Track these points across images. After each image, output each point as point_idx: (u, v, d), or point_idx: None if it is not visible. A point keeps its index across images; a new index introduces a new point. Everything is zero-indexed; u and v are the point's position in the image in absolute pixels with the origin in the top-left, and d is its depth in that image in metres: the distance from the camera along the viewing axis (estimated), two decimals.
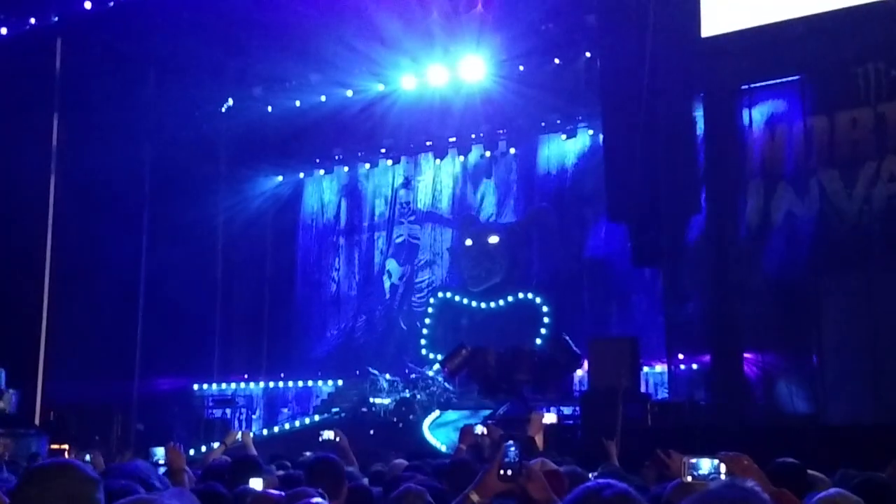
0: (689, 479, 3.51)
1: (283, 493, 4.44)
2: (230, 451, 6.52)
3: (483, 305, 20.24)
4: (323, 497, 4.24)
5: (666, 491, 3.94)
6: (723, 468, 3.52)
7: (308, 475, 4.88)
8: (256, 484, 4.83)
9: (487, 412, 15.99)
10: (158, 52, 19.12)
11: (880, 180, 13.57)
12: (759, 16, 13.64)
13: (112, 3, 18.28)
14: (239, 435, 7.94)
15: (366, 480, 5.80)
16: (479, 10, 17.30)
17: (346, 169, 22.84)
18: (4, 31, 19.18)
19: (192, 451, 16.76)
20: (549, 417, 7.44)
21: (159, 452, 5.23)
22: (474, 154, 21.06)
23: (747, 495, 2.53)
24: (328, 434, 7.04)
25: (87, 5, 18.35)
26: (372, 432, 16.47)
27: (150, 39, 18.70)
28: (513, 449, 3.34)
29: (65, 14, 18.76)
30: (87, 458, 9.35)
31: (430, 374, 18.67)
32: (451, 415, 17.16)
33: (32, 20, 19.00)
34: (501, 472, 3.34)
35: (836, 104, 13.96)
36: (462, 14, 17.46)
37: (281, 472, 6.06)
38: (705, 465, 3.50)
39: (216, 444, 9.54)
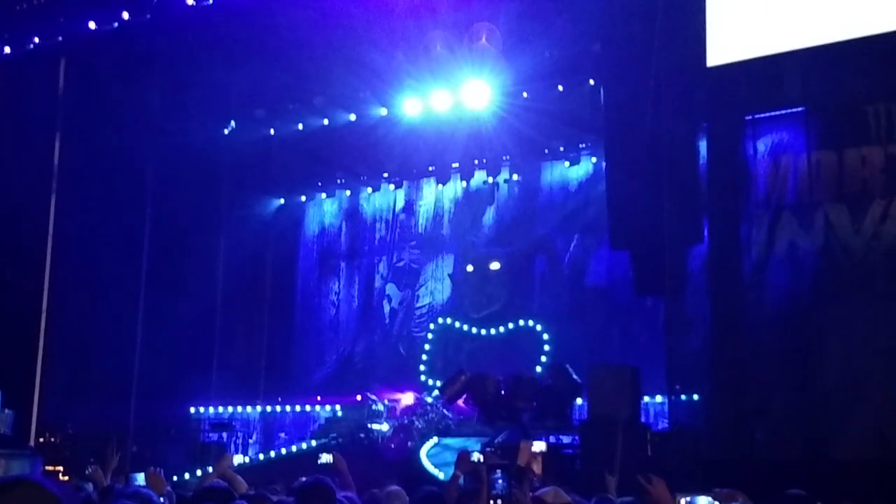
0: None
1: None
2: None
3: (483, 332, 20.11)
4: None
5: None
6: None
7: (300, 499, 4.78)
8: None
9: (486, 439, 15.84)
10: (161, 73, 19.15)
11: (889, 219, 13.46)
12: (765, 46, 13.59)
13: (116, 25, 18.31)
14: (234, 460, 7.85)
15: None
16: (483, 43, 17.29)
17: (347, 192, 22.78)
18: (8, 50, 19.22)
19: (186, 475, 16.64)
20: (539, 445, 7.30)
21: (140, 478, 5.14)
22: (477, 179, 20.97)
23: None
24: (326, 458, 6.98)
25: (92, 26, 18.39)
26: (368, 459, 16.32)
27: (154, 61, 18.75)
28: (500, 480, 3.30)
29: (69, 34, 18.78)
30: (88, 471, 9.23)
31: (429, 400, 18.51)
32: (450, 442, 16.99)
33: (36, 39, 19.03)
34: (490, 502, 3.31)
35: (844, 140, 13.87)
36: (466, 45, 17.46)
37: (275, 498, 5.97)
38: (701, 502, 3.44)
39: (210, 469, 9.43)
